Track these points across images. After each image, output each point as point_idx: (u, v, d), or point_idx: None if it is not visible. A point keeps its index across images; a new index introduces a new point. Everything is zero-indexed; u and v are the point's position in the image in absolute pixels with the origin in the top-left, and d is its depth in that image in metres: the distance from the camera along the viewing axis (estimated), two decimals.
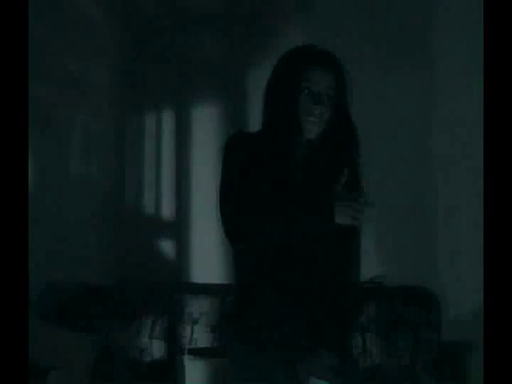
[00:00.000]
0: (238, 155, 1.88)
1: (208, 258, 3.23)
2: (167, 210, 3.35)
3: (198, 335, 2.99)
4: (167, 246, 3.35)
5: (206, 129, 3.26)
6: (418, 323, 2.71)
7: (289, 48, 1.88)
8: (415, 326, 2.70)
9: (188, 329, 3.02)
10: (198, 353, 2.85)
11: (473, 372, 2.80)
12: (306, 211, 1.81)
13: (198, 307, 3.04)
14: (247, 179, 1.84)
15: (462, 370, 2.79)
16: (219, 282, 3.15)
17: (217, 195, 1.93)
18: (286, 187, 1.84)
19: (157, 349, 3.05)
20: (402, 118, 3.01)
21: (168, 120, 3.36)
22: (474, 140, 2.69)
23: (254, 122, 3.05)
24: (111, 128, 3.49)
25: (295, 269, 1.85)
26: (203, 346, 2.95)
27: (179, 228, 3.33)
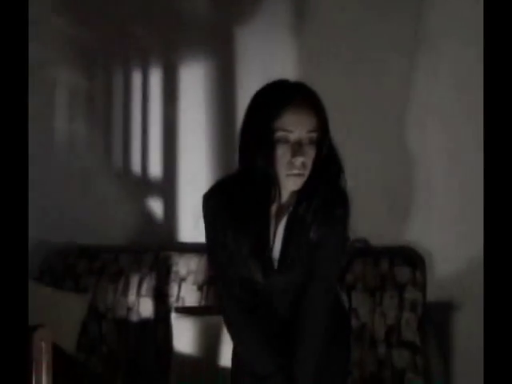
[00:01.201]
0: (215, 210, 1.81)
1: (195, 217, 3.22)
2: (154, 170, 3.33)
3: (185, 293, 3.00)
4: (154, 206, 3.34)
5: (194, 89, 3.23)
6: (403, 282, 2.72)
7: (262, 85, 1.74)
8: (401, 286, 2.72)
9: (175, 287, 3.03)
10: (185, 311, 2.86)
11: (456, 332, 2.86)
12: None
13: (186, 266, 3.05)
14: (227, 236, 1.77)
15: (446, 330, 2.84)
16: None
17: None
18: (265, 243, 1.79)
19: (144, 307, 3.07)
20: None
21: (155, 80, 3.32)
22: None
23: (241, 83, 3.07)
24: (97, 87, 3.45)
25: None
26: (190, 304, 2.96)
27: (166, 187, 3.32)
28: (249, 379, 1.87)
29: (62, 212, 3.48)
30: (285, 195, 1.78)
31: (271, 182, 1.70)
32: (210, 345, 2.65)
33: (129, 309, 3.10)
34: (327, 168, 1.74)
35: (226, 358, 2.53)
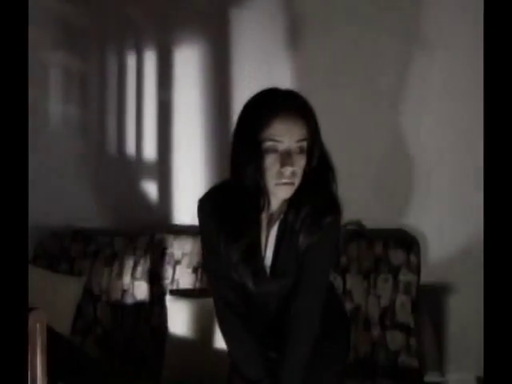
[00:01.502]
0: (209, 216, 1.83)
1: (190, 199, 3.21)
2: (149, 152, 3.32)
3: (180, 276, 3.00)
4: (149, 187, 3.33)
5: (189, 71, 3.21)
6: (397, 265, 2.73)
7: (253, 93, 1.73)
8: (395, 268, 2.73)
9: (170, 270, 3.03)
10: (179, 293, 2.87)
11: (450, 314, 2.87)
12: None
13: (180, 248, 3.05)
14: (219, 241, 1.78)
15: (440, 312, 2.85)
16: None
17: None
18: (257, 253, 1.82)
19: (139, 290, 3.07)
20: None
21: (150, 62, 3.30)
22: None
23: (237, 66, 3.06)
24: (91, 70, 3.43)
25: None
26: (185, 286, 2.97)
27: (161, 169, 3.31)
28: (241, 381, 1.91)
29: (57, 195, 3.47)
30: (276, 204, 1.80)
31: (260, 192, 1.72)
32: (204, 327, 2.65)
33: (124, 291, 3.10)
34: (318, 176, 1.75)
35: (220, 339, 2.53)
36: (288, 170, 1.65)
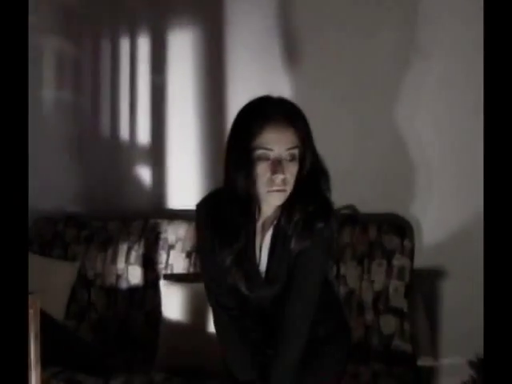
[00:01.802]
0: (204, 220, 1.86)
1: (184, 184, 3.21)
2: (142, 136, 3.31)
3: (174, 261, 3.00)
4: (143, 172, 3.33)
5: (182, 55, 3.19)
6: (391, 250, 2.73)
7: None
8: (389, 253, 2.73)
9: (164, 254, 3.03)
10: (173, 278, 2.87)
11: (443, 299, 2.88)
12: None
13: (174, 233, 3.04)
14: (214, 247, 1.82)
15: (433, 297, 2.86)
16: (195, 207, 3.14)
17: None
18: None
19: (133, 275, 3.07)
20: None
21: (143, 46, 3.29)
22: None
23: (230, 49, 3.05)
24: (85, 53, 3.42)
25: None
26: (179, 271, 2.97)
27: (155, 153, 3.30)
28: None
29: (50, 179, 3.46)
30: (269, 210, 1.83)
31: (251, 199, 1.76)
32: (198, 311, 2.65)
33: (118, 276, 3.10)
34: (311, 181, 1.78)
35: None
36: (279, 178, 1.69)
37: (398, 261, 2.72)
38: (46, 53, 3.45)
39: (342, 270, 2.75)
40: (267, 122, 1.68)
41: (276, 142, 1.68)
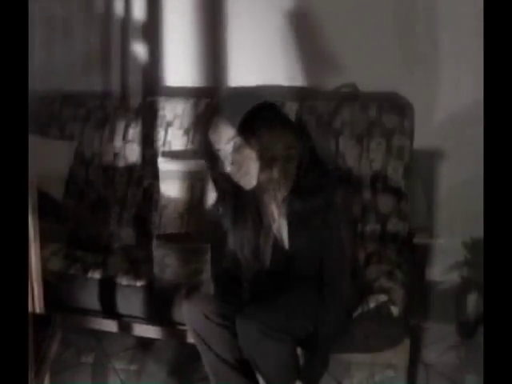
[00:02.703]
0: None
1: (182, 61, 3.15)
2: (138, 11, 3.21)
3: (172, 138, 2.99)
4: (139, 49, 3.25)
5: None
6: (391, 129, 2.71)
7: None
8: (388, 132, 2.71)
9: (162, 132, 3.01)
10: (171, 155, 2.85)
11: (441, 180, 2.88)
12: None
13: (172, 110, 3.01)
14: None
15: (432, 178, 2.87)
16: (193, 85, 3.11)
17: None
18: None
19: (130, 152, 3.06)
20: None
21: None
22: None
23: None
24: None
25: None
26: (177, 148, 2.96)
27: (152, 30, 3.20)
28: None
29: (45, 59, 3.39)
30: (279, 198, 2.02)
31: (252, 195, 2.01)
32: (196, 187, 2.66)
33: (115, 154, 3.09)
34: (313, 173, 1.98)
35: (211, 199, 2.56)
36: (276, 175, 1.91)
37: (398, 141, 2.70)
38: None
39: (341, 148, 2.73)
40: (263, 123, 1.91)
41: (269, 142, 1.89)
